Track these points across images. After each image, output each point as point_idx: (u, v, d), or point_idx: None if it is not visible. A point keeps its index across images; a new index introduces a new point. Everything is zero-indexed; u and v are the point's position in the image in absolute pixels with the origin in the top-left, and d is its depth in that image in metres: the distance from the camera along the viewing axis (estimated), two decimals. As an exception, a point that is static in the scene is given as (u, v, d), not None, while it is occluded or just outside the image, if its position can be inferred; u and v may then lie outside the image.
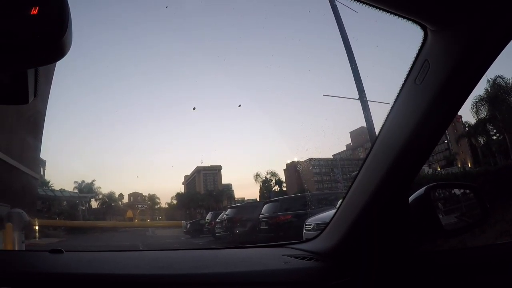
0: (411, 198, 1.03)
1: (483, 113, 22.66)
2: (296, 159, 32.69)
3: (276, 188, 34.49)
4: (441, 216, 1.05)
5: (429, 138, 0.87)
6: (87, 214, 24.50)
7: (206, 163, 39.90)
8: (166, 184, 60.17)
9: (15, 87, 0.62)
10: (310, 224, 5.58)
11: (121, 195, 32.89)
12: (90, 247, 8.97)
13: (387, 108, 0.93)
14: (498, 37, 0.68)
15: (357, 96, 10.88)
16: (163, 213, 34.12)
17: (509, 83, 20.84)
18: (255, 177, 34.46)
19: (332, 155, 38.19)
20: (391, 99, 0.92)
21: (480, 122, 23.89)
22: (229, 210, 11.44)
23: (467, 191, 1.22)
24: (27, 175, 11.99)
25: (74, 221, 19.65)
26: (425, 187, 1.04)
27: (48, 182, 23.97)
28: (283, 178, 35.70)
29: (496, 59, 0.72)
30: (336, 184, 33.64)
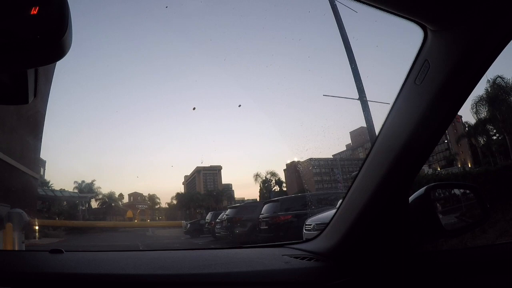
0: (411, 198, 1.03)
1: (483, 113, 22.70)
2: (296, 159, 32.75)
3: (276, 188, 34.53)
4: (441, 216, 1.05)
5: (429, 138, 0.87)
6: (87, 214, 24.48)
7: (206, 163, 40.01)
8: (166, 184, 60.36)
9: (15, 87, 0.62)
10: (310, 224, 5.58)
11: (121, 195, 32.97)
12: (90, 247, 8.98)
13: (387, 108, 0.94)
14: (498, 37, 0.68)
15: (357, 96, 10.89)
16: (163, 213, 34.18)
17: (509, 83, 20.87)
18: (255, 177, 34.52)
19: (332, 155, 38.27)
20: (391, 99, 0.92)
21: (480, 122, 23.91)
22: (229, 210, 11.42)
23: (467, 191, 1.22)
24: (27, 175, 11.98)
25: (74, 221, 19.65)
26: (425, 187, 1.04)
27: (48, 182, 24.03)
28: (283, 178, 35.77)
29: (496, 59, 0.72)
30: (336, 184, 33.66)
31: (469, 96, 0.79)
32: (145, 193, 35.74)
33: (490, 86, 21.32)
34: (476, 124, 24.85)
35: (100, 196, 29.45)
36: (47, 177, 23.57)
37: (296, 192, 24.00)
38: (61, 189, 24.46)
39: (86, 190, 27.67)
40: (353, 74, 11.08)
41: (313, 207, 7.97)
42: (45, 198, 20.16)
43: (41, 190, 19.45)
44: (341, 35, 11.47)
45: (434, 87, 0.78)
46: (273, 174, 34.64)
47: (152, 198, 35.28)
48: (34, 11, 0.46)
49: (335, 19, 11.53)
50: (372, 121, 10.35)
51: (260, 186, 34.80)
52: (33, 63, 0.54)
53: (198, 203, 33.67)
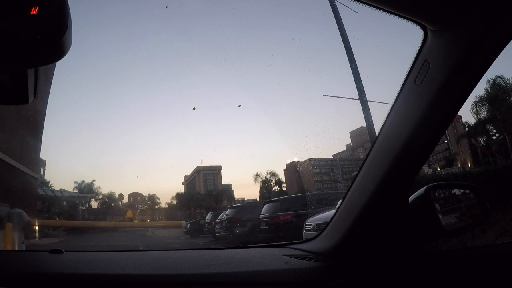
0: (411, 198, 1.03)
1: (483, 113, 22.71)
2: (296, 159, 32.75)
3: (276, 188, 34.52)
4: (441, 216, 1.05)
5: (429, 138, 0.87)
6: (87, 214, 24.49)
7: (206, 163, 39.98)
8: (166, 184, 60.30)
9: (15, 87, 0.62)
10: (310, 224, 5.58)
11: (121, 195, 32.96)
12: (90, 247, 8.98)
13: (387, 108, 0.94)
14: (498, 37, 0.68)
15: (357, 96, 10.89)
16: (163, 213, 34.18)
17: (509, 83, 20.87)
18: (255, 177, 34.49)
19: (332, 155, 38.26)
20: (391, 99, 0.92)
21: (480, 122, 23.91)
22: (229, 210, 11.42)
23: (467, 191, 1.22)
24: (27, 175, 11.98)
25: (74, 221, 19.64)
26: (425, 187, 1.04)
27: (48, 182, 24.02)
28: (283, 178, 35.75)
29: (496, 59, 0.72)
30: (336, 184, 33.66)
31: (469, 96, 0.79)
32: (145, 193, 35.77)
33: (490, 86, 21.34)
34: (476, 124, 24.87)
35: (100, 196, 29.49)
36: (47, 177, 23.60)
37: (296, 192, 24.00)
38: (61, 189, 24.49)
39: (86, 190, 27.68)
40: (353, 74, 11.10)
41: (313, 207, 7.97)
42: (45, 198, 20.16)
43: (41, 190, 19.44)
44: (341, 35, 11.49)
45: (434, 87, 0.78)
46: (273, 174, 34.65)
47: (152, 198, 35.31)
48: (34, 11, 0.46)
49: (335, 19, 11.55)
50: (372, 121, 10.36)
51: (260, 186, 34.82)
52: (33, 63, 0.54)
53: (198, 203, 33.68)
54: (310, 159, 32.95)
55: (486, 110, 22.26)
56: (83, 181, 28.43)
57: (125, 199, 34.01)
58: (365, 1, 0.69)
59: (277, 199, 9.90)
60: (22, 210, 2.84)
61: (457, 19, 0.69)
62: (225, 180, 39.71)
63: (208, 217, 14.36)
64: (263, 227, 8.77)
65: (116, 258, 1.30)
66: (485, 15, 0.66)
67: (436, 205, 1.12)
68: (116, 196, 31.76)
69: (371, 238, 1.02)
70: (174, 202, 35.26)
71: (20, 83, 0.62)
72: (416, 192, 1.04)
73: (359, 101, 10.79)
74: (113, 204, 30.31)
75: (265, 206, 9.41)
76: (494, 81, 20.98)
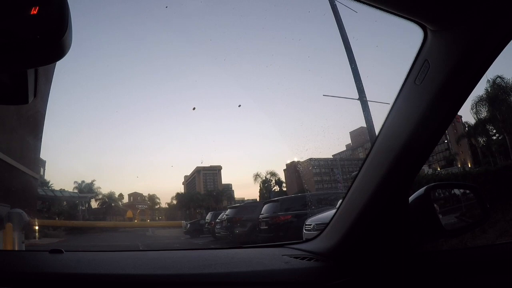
0: (411, 198, 1.03)
1: (483, 113, 22.71)
2: (296, 159, 32.75)
3: (276, 188, 34.52)
4: (441, 216, 1.05)
5: (429, 138, 0.87)
6: (87, 214, 24.49)
7: (206, 163, 40.00)
8: (166, 184, 60.33)
9: (15, 87, 0.62)
10: (310, 224, 5.58)
11: (121, 195, 32.96)
12: (90, 247, 8.99)
13: (387, 108, 0.94)
14: (498, 37, 0.68)
15: (357, 96, 10.89)
16: (163, 213, 34.19)
17: (509, 83, 20.88)
18: (255, 177, 34.50)
19: (332, 155, 38.27)
20: (391, 99, 0.92)
21: (480, 122, 23.91)
22: (229, 210, 11.41)
23: (467, 191, 1.22)
24: (27, 175, 11.97)
25: (74, 221, 19.65)
26: (425, 187, 1.04)
27: (48, 182, 24.03)
28: (283, 178, 35.76)
29: (496, 59, 0.72)
30: (336, 184, 33.66)
31: (469, 96, 0.79)
32: (145, 193, 35.79)
33: (490, 86, 21.35)
34: (476, 124, 24.87)
35: (100, 196, 29.49)
36: (47, 177, 23.60)
37: (296, 192, 24.00)
38: (61, 189, 24.50)
39: (86, 190, 27.68)
40: (353, 74, 11.09)
41: (313, 207, 7.96)
42: (45, 198, 20.16)
43: (41, 190, 19.45)
44: (341, 35, 11.49)
45: (434, 87, 0.78)
46: (273, 174, 34.66)
47: (152, 198, 35.31)
48: (34, 11, 0.46)
49: (335, 19, 11.54)
50: (372, 121, 10.36)
51: (260, 186, 34.82)
52: (33, 63, 0.54)
53: (198, 203, 33.67)
54: (310, 159, 32.97)
55: (486, 110, 22.29)
56: (83, 181, 28.48)
57: (125, 199, 34.06)
58: (365, 1, 0.69)
59: (277, 199, 9.90)
60: (22, 210, 2.84)
61: (457, 19, 0.69)
62: (225, 180, 39.77)
63: (208, 217, 14.35)
64: (263, 227, 8.77)
65: (116, 258, 1.30)
66: (485, 15, 0.66)
67: (438, 205, 1.12)
68: (116, 196, 31.81)
69: (371, 238, 1.02)
70: (174, 202, 35.31)
71: (20, 83, 0.62)
72: (416, 192, 1.04)
73: (359, 101, 10.80)
74: (113, 204, 30.31)
75: (265, 206, 9.41)
76: (494, 81, 21.00)
